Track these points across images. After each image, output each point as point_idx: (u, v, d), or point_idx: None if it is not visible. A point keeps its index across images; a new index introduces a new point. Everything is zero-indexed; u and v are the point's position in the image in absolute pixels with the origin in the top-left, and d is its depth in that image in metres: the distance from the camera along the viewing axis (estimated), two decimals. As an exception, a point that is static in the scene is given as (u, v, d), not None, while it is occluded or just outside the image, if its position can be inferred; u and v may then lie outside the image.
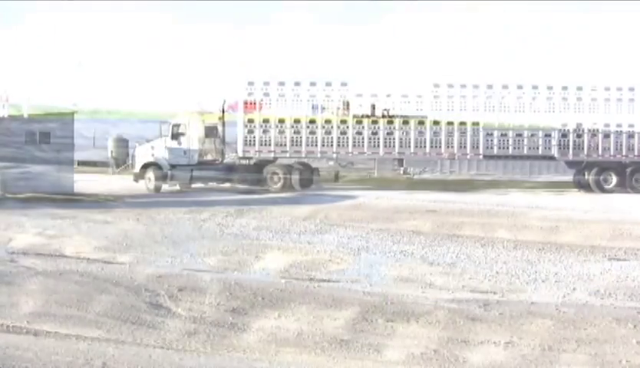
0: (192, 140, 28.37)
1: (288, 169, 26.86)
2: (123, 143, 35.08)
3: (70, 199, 22.27)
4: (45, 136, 23.78)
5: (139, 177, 28.57)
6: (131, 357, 6.03)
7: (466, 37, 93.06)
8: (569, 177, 29.14)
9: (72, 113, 24.56)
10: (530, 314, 9.18)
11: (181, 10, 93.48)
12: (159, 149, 28.87)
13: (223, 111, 28.32)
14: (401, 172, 29.53)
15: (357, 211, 20.56)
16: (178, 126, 28.40)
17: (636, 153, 27.05)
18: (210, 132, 28.51)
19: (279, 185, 26.49)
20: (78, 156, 29.30)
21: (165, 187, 28.31)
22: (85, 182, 25.95)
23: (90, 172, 31.80)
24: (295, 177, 26.61)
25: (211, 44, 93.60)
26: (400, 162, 28.87)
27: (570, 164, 28.56)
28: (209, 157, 28.78)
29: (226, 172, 27.53)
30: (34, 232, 15.70)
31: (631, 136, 27.03)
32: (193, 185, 28.17)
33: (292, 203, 22.62)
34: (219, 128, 28.26)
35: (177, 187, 28.64)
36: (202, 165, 28.26)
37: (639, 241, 15.55)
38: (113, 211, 20.45)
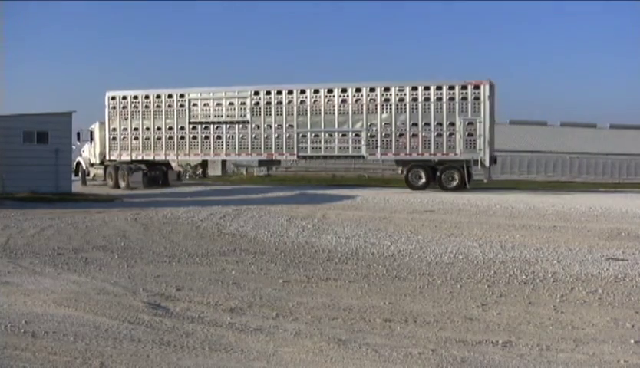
0: (97, 144, 33.96)
1: (130, 169, 30.73)
2: None
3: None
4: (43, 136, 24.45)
5: (75, 173, 35.30)
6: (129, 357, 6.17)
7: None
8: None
9: (70, 114, 26.09)
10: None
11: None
12: (85, 151, 35.18)
13: None
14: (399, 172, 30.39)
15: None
16: (92, 132, 34.25)
17: (444, 151, 27.06)
18: None
19: (123, 184, 30.68)
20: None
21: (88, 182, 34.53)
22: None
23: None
24: (137, 178, 30.45)
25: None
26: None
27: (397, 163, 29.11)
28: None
29: (107, 171, 32.47)
30: None
31: (439, 134, 27.06)
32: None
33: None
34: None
35: (96, 182, 34.67)
36: (101, 165, 33.70)
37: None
38: None
